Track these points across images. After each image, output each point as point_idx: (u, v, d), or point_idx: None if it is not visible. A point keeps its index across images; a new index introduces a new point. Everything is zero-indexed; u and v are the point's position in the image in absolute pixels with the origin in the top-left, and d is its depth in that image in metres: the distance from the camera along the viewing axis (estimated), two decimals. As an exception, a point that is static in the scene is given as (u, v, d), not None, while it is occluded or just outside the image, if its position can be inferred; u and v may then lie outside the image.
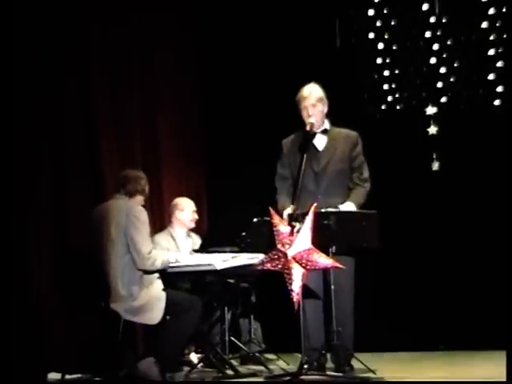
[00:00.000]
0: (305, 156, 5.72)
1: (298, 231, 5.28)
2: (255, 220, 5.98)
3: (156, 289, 5.73)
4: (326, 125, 6.05)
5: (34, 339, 6.13)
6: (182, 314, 5.68)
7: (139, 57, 7.68)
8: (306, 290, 5.57)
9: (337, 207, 5.71)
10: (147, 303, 5.65)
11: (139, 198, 5.96)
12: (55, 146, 6.77)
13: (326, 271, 5.63)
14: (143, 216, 5.78)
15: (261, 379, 5.82)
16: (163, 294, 5.70)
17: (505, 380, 4.62)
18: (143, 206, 6.00)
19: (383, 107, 7.67)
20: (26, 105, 6.51)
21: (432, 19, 7.46)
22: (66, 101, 6.88)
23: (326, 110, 6.02)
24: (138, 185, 5.95)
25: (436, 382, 5.49)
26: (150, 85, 7.81)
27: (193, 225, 7.17)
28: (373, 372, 5.60)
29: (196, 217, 7.17)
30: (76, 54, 6.97)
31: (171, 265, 5.84)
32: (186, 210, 7.12)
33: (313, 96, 5.95)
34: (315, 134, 5.98)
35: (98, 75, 7.12)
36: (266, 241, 5.56)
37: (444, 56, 7.44)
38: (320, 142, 6.01)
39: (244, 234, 6.17)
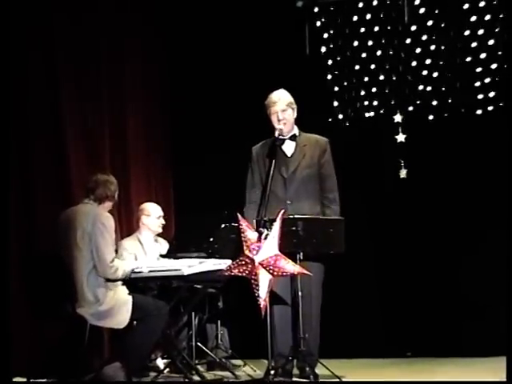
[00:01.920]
0: (273, 162, 5.74)
1: (266, 237, 5.29)
2: (223, 226, 6.00)
3: (122, 293, 5.71)
4: (295, 130, 6.09)
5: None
6: (149, 319, 5.66)
7: (107, 46, 7.64)
8: (274, 296, 5.59)
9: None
10: (113, 307, 5.62)
11: (107, 204, 5.93)
12: (22, 146, 6.72)
13: (293, 277, 5.64)
14: (110, 223, 5.75)
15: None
16: (129, 298, 5.68)
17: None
18: (110, 210, 5.98)
19: (352, 114, 7.70)
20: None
21: (400, 27, 7.51)
22: (31, 100, 6.82)
23: (295, 115, 6.06)
24: (108, 190, 5.90)
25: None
26: (118, 81, 7.78)
27: (160, 230, 7.16)
28: (338, 378, 5.61)
29: (163, 222, 7.16)
30: (41, 53, 6.94)
31: (136, 270, 5.82)
32: (152, 216, 7.11)
33: (282, 101, 5.98)
34: (284, 139, 6.01)
35: (64, 76, 7.08)
36: (233, 246, 5.59)
37: (413, 64, 7.48)
38: (289, 147, 6.04)
39: (211, 239, 6.16)
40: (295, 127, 6.10)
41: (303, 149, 6.04)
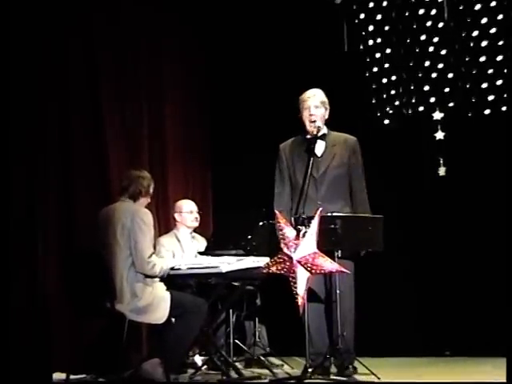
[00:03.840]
0: (311, 161, 5.72)
1: (304, 235, 5.29)
2: (261, 223, 6.00)
3: (160, 289, 5.74)
4: (325, 129, 6.07)
5: (40, 339, 6.14)
6: (188, 315, 5.67)
7: (146, 46, 7.70)
8: (309, 294, 5.58)
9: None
10: (152, 303, 5.65)
11: (143, 200, 5.95)
12: (63, 146, 6.81)
13: (328, 275, 5.64)
14: (149, 219, 5.77)
15: (265, 382, 5.84)
16: (167, 294, 5.71)
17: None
18: (149, 206, 6.01)
19: (391, 112, 7.66)
20: (33, 103, 6.55)
21: (440, 24, 7.46)
22: (73, 100, 6.91)
23: (327, 115, 6.05)
24: (141, 186, 5.92)
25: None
26: (157, 81, 7.84)
27: (195, 224, 7.19)
28: (376, 376, 5.59)
29: (196, 216, 7.19)
30: (81, 54, 7.02)
31: (176, 267, 5.84)
32: (183, 211, 7.17)
33: (316, 98, 5.99)
34: (316, 139, 5.99)
35: (104, 76, 7.15)
36: (271, 244, 5.58)
37: (452, 61, 7.43)
38: (319, 147, 6.03)
39: (250, 236, 6.17)
40: (324, 126, 6.08)
41: (332, 149, 6.03)
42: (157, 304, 5.67)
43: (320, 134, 6.01)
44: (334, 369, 5.80)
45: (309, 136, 5.97)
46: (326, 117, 6.05)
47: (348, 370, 5.73)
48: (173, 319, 5.68)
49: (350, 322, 5.87)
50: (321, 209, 5.39)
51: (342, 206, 5.92)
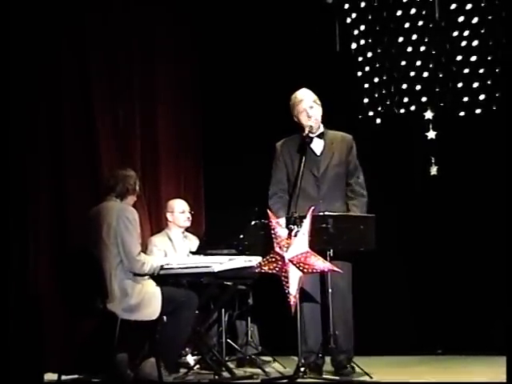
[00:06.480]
0: (303, 159, 5.72)
1: (296, 234, 5.29)
2: (253, 222, 6.00)
3: (150, 285, 5.73)
4: (322, 128, 6.08)
5: (32, 339, 6.13)
6: (180, 310, 5.67)
7: (139, 46, 7.70)
8: (304, 293, 5.59)
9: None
10: (143, 300, 5.62)
11: (130, 198, 5.93)
12: (54, 146, 6.80)
13: (323, 274, 5.64)
14: (134, 217, 5.76)
15: (257, 382, 5.84)
16: (158, 290, 5.69)
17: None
18: (141, 205, 6.00)
19: (382, 111, 7.67)
20: (25, 103, 6.54)
21: (431, 24, 7.47)
22: (65, 100, 6.91)
23: (321, 112, 6.05)
24: (128, 184, 5.90)
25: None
26: (150, 82, 7.83)
27: (186, 224, 7.19)
28: (369, 376, 5.60)
29: (188, 216, 7.19)
30: (73, 53, 7.01)
31: (166, 266, 5.84)
32: (175, 211, 7.17)
33: (309, 98, 6.01)
34: (312, 138, 5.99)
35: (96, 76, 7.14)
36: (263, 243, 5.58)
37: (443, 61, 7.44)
38: (317, 145, 6.03)
39: (242, 236, 6.17)
40: (321, 125, 6.09)
41: (331, 147, 6.04)
42: (148, 300, 5.65)
43: (318, 132, 6.02)
44: (329, 368, 5.81)
45: (305, 134, 5.95)
46: (321, 114, 6.05)
47: (345, 368, 5.74)
48: (164, 317, 5.67)
49: (348, 322, 5.88)
50: (313, 208, 5.40)
51: (342, 205, 5.95)
